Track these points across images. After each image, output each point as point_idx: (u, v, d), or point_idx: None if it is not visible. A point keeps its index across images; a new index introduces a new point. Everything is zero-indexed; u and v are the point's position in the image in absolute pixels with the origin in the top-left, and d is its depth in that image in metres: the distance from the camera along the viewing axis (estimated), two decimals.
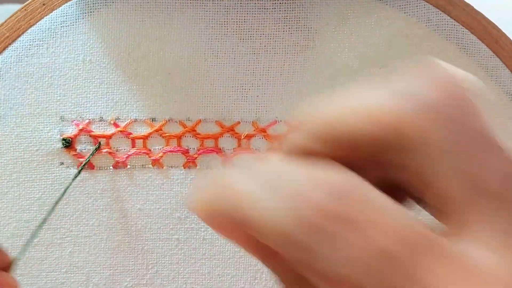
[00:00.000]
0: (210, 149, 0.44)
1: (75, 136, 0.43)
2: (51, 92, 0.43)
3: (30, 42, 0.43)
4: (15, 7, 0.43)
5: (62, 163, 0.43)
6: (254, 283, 0.44)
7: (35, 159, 0.43)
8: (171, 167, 0.44)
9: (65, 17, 0.43)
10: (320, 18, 0.43)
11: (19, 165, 0.43)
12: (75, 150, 0.43)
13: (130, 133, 0.43)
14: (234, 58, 0.43)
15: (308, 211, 0.20)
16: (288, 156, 0.23)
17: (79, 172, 0.43)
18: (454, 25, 0.43)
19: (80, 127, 0.43)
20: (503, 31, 0.43)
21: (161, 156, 0.43)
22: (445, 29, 0.43)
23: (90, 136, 0.43)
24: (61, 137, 0.43)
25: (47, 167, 0.43)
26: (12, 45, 0.43)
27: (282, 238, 0.20)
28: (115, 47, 0.43)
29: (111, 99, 0.43)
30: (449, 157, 0.21)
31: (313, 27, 0.43)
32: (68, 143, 0.43)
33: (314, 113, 0.23)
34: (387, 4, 0.43)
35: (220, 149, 0.44)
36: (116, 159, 0.43)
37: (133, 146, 0.43)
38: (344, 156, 0.22)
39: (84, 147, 0.43)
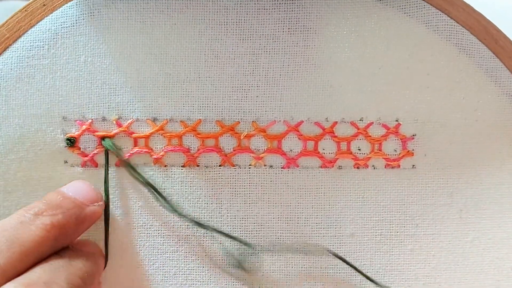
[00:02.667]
0: (210, 148, 0.44)
1: (79, 135, 0.44)
2: (53, 93, 0.43)
3: (31, 43, 0.43)
4: (16, 3, 0.43)
5: (66, 162, 0.44)
6: (254, 281, 0.45)
7: (39, 158, 0.44)
8: (172, 166, 0.44)
9: (65, 18, 0.43)
10: (320, 19, 0.43)
11: (23, 164, 0.44)
12: (79, 149, 0.44)
13: (132, 133, 0.44)
14: (234, 58, 0.43)
15: None
16: None
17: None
18: (454, 25, 0.43)
19: (84, 127, 0.43)
20: (503, 31, 0.43)
21: (163, 155, 0.44)
22: (445, 30, 0.43)
23: (94, 135, 0.44)
24: (65, 137, 0.44)
25: (51, 165, 0.44)
26: (12, 46, 0.43)
27: None
28: (116, 48, 0.43)
29: (113, 99, 0.43)
30: None
31: (312, 28, 0.43)
32: (72, 143, 0.44)
33: None
34: (387, 5, 0.43)
35: (220, 148, 0.44)
36: (119, 157, 0.44)
37: (135, 145, 0.44)
38: None
39: (88, 146, 0.44)
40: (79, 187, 0.42)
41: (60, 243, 0.39)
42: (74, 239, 0.41)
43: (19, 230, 0.37)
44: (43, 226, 0.38)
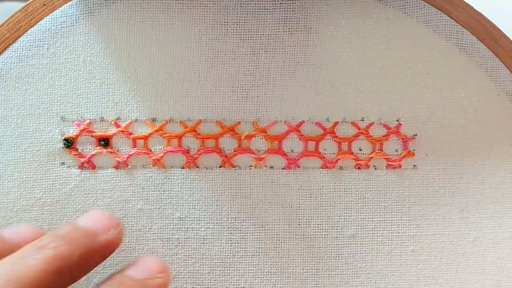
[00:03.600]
0: (210, 149, 0.44)
1: (77, 136, 0.43)
2: (52, 92, 0.43)
3: (30, 42, 0.43)
4: (15, 5, 0.43)
5: (63, 163, 0.43)
6: (254, 283, 0.44)
7: (36, 159, 0.43)
8: (172, 167, 0.44)
9: (65, 17, 0.43)
10: (320, 18, 0.43)
11: (20, 165, 0.43)
12: (77, 150, 0.43)
13: (131, 133, 0.43)
14: (234, 58, 0.43)
15: None
16: None
17: None
18: (454, 25, 0.43)
19: (82, 127, 0.43)
20: (503, 31, 0.43)
21: (162, 156, 0.44)
22: (445, 29, 0.43)
23: (92, 136, 0.43)
24: (63, 137, 0.43)
25: (48, 167, 0.43)
26: (12, 45, 0.43)
27: None
28: (116, 47, 0.43)
29: (111, 99, 0.43)
30: None
31: (313, 27, 0.43)
32: (69, 143, 0.43)
33: None
34: (387, 4, 0.43)
35: (221, 149, 0.44)
36: (117, 159, 0.43)
37: (134, 146, 0.44)
38: None
39: (86, 147, 0.43)
40: (93, 216, 0.40)
41: (65, 276, 0.37)
42: (84, 271, 0.39)
43: (17, 266, 0.35)
44: (43, 260, 0.36)
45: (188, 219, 0.44)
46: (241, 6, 0.43)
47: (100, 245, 0.38)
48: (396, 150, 0.44)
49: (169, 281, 0.40)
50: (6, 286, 0.34)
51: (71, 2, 0.43)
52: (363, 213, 0.44)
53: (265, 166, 0.44)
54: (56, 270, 0.36)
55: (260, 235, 0.44)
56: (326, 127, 0.44)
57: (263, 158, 0.44)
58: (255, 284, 0.44)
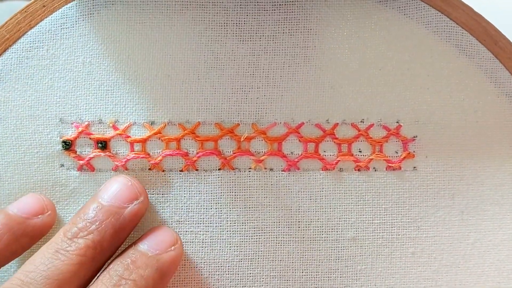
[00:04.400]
0: (209, 151, 0.44)
1: (75, 138, 0.43)
2: (51, 94, 0.43)
3: (30, 44, 0.43)
4: (15, 4, 0.43)
5: (62, 165, 0.43)
6: (254, 287, 0.44)
7: (35, 161, 0.43)
8: (171, 170, 0.44)
9: (65, 19, 0.43)
10: (320, 20, 0.43)
11: (20, 167, 0.43)
12: (75, 152, 0.43)
13: (129, 136, 0.43)
14: (234, 60, 0.43)
15: None
16: None
17: None
18: (454, 26, 0.43)
19: (80, 129, 0.43)
20: (503, 32, 0.43)
21: (160, 160, 0.43)
22: (444, 31, 0.43)
23: (90, 138, 0.43)
24: (61, 139, 0.43)
25: (47, 169, 0.43)
26: (12, 47, 0.43)
27: None
28: (115, 49, 0.43)
29: (110, 101, 0.43)
30: None
31: (313, 29, 0.43)
32: (68, 145, 0.43)
33: None
34: (386, 6, 0.43)
35: (220, 151, 0.44)
36: (116, 162, 0.43)
37: (132, 150, 0.43)
38: None
39: (84, 149, 0.43)
40: (114, 189, 0.41)
41: (99, 261, 0.39)
42: (116, 248, 0.40)
43: (55, 262, 0.37)
44: (77, 252, 0.37)
45: (187, 222, 0.44)
46: (240, 7, 0.43)
47: (127, 219, 0.40)
48: (396, 152, 0.44)
49: (182, 251, 0.41)
50: (46, 285, 0.36)
51: (71, 3, 0.42)
52: (363, 215, 0.44)
53: (265, 168, 0.44)
54: (90, 258, 0.38)
55: (259, 238, 0.44)
56: (326, 128, 0.44)
57: (262, 160, 0.44)
58: None
